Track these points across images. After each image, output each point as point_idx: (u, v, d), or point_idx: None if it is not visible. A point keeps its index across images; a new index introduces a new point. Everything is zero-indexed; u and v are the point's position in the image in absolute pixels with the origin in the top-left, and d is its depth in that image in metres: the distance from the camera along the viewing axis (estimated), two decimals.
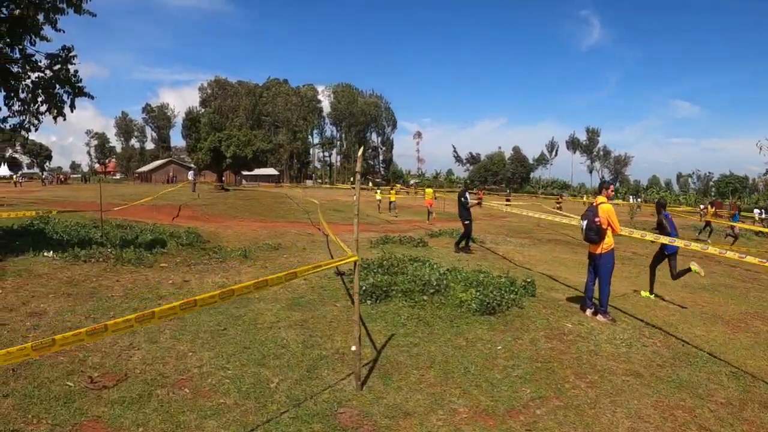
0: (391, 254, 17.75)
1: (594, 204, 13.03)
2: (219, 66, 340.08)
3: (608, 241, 12.76)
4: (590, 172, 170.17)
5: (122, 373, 8.48)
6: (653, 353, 10.74)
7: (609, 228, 12.66)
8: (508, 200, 67.37)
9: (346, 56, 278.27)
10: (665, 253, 15.71)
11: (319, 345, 10.22)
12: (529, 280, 14.85)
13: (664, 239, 14.83)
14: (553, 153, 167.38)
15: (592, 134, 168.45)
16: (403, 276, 14.10)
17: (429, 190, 46.00)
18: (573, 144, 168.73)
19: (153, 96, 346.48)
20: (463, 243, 22.44)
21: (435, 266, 15.69)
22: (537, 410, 8.12)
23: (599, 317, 12.69)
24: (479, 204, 27.95)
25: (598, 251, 12.82)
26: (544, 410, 8.14)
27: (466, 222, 22.08)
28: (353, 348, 9.80)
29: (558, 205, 57.24)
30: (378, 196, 55.93)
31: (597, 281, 13.12)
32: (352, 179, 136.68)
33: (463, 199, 22.52)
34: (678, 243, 14.60)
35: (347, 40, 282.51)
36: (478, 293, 12.77)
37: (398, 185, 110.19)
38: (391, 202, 52.32)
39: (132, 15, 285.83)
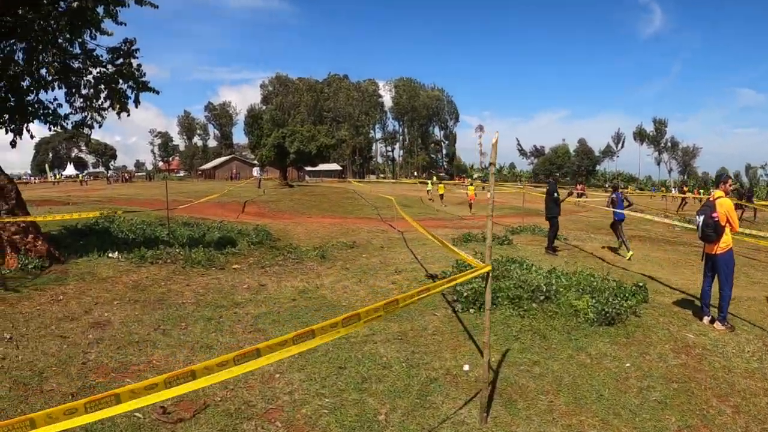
0: (482, 254, 16.12)
1: (711, 199, 11.41)
2: (278, 63, 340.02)
3: (726, 240, 11.11)
4: (658, 164, 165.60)
5: (200, 402, 7.12)
6: None
7: (728, 225, 11.03)
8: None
9: (402, 50, 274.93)
10: (615, 220, 21.19)
11: (425, 364, 8.75)
12: (640, 284, 13.14)
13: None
14: (620, 145, 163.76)
15: (660, 125, 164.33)
16: (506, 280, 12.44)
17: (471, 188, 49.84)
18: (640, 135, 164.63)
19: (213, 95, 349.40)
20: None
21: (538, 269, 14.04)
22: None
23: (717, 325, 11.04)
24: (577, 195, 26.34)
25: (715, 251, 11.19)
26: None
27: (556, 219, 20.30)
28: (466, 368, 8.49)
29: (683, 202, 54.11)
30: (429, 187, 63.23)
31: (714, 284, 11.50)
32: (415, 174, 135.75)
33: (555, 194, 20.53)
34: None
35: (404, 34, 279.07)
36: (593, 300, 11.16)
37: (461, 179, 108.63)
38: (441, 195, 57.26)
39: (190, 16, 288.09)
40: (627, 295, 12.01)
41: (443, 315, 11.09)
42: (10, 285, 12.03)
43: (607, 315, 10.67)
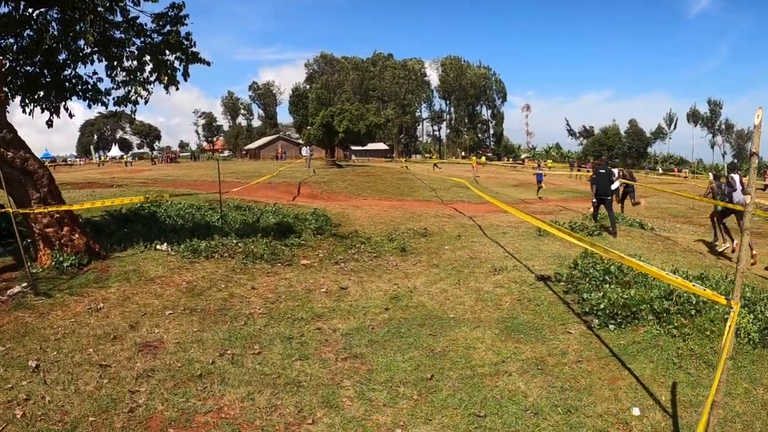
0: (592, 252, 13.42)
1: None
2: (320, 43, 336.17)
3: None
4: (712, 147, 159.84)
5: None
6: None
7: None
8: None
9: (443, 28, 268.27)
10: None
11: (584, 407, 6.59)
12: None
13: None
14: (672, 126, 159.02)
15: (715, 106, 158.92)
16: (649, 289, 10.06)
17: (474, 159, 60.97)
18: (694, 117, 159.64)
19: (253, 76, 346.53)
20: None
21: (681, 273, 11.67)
22: None
23: None
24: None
25: None
26: None
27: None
28: (636, 411, 6.78)
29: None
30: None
31: None
32: (463, 153, 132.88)
33: (613, 178, 21.06)
34: None
35: (445, 11, 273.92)
36: (751, 316, 8.87)
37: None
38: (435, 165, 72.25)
39: None
40: None
41: (578, 333, 8.82)
42: (42, 288, 10.05)
43: None
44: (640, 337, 8.58)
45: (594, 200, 20.46)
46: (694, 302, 9.22)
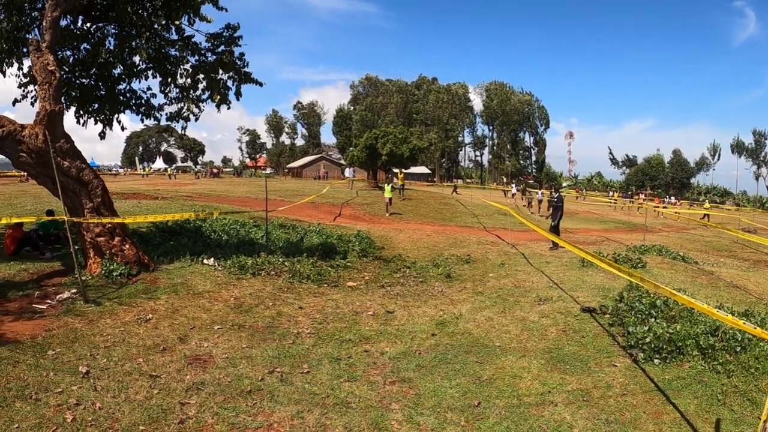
0: (638, 286, 13.19)
1: None
2: (365, 65, 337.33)
3: None
4: (756, 178, 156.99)
5: None
6: None
7: None
8: None
9: (487, 54, 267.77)
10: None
11: None
12: None
13: None
14: (716, 157, 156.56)
15: (760, 137, 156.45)
16: (696, 324, 9.91)
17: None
18: (738, 147, 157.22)
19: (294, 96, 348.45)
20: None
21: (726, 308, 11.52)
22: None
23: None
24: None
25: None
26: None
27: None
28: None
29: None
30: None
31: None
32: (504, 180, 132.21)
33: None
34: None
35: (488, 37, 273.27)
36: None
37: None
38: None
39: (277, 18, 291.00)
40: None
41: (623, 366, 8.69)
42: (92, 296, 10.24)
43: None
44: (685, 372, 8.45)
45: (554, 223, 22.55)
46: (739, 339, 9.09)
